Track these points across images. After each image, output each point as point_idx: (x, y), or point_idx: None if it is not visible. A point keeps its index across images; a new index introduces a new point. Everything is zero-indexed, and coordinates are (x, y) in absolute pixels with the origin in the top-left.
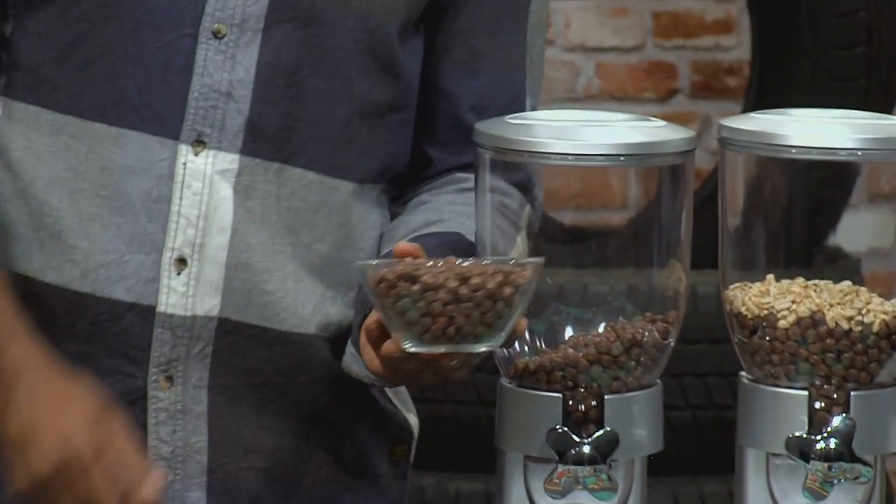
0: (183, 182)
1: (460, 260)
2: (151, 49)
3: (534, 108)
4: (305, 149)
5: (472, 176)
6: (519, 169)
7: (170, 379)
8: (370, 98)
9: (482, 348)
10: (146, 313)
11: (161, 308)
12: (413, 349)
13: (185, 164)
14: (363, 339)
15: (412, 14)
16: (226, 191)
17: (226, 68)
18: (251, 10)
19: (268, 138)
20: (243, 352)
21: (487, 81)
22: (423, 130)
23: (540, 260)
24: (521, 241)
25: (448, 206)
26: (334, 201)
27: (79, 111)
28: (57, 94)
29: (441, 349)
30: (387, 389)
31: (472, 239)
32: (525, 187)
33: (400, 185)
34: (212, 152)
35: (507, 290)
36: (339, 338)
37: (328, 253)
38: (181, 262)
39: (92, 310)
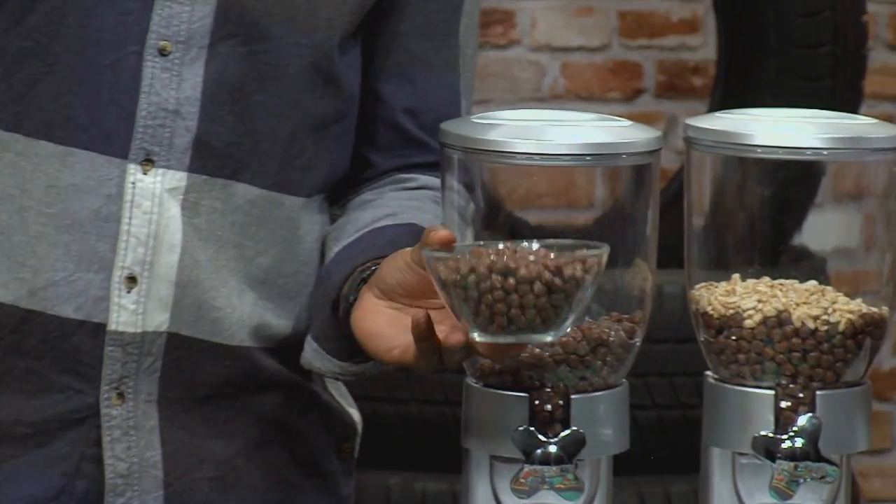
0: (132, 201)
1: (527, 245)
2: (98, 67)
3: (468, 110)
4: (251, 164)
5: (414, 176)
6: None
7: (121, 395)
8: (315, 112)
9: (548, 338)
10: (97, 331)
11: (112, 326)
12: (482, 339)
13: (133, 183)
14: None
15: (353, 25)
16: (174, 209)
17: (172, 86)
18: (196, 27)
19: (215, 155)
20: (192, 366)
21: (423, 85)
22: (362, 135)
23: (608, 247)
24: (469, 237)
25: (396, 202)
26: (280, 215)
27: (25, 129)
28: (2, 112)
29: (511, 339)
30: (329, 388)
31: (426, 227)
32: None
33: (339, 189)
34: (160, 171)
35: (588, 279)
36: (283, 347)
37: (270, 266)
38: (131, 280)
39: (41, 327)
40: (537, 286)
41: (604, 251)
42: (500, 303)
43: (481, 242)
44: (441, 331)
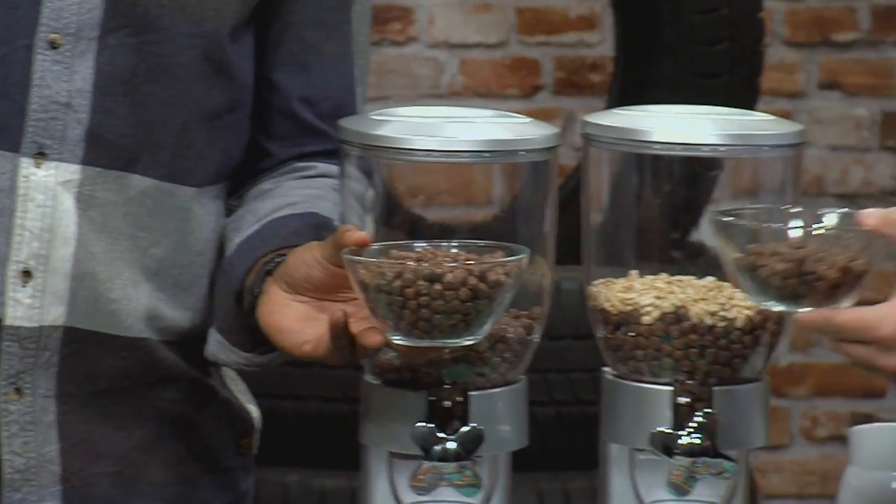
0: (26, 195)
1: (446, 246)
2: None
3: (363, 97)
4: (144, 155)
5: (312, 164)
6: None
7: (18, 391)
8: (207, 102)
9: (468, 342)
10: None
11: (8, 321)
12: (401, 342)
13: (26, 177)
14: (297, 325)
15: (244, 14)
16: (68, 202)
17: (64, 78)
18: (86, 19)
19: (107, 147)
20: (89, 359)
21: (318, 73)
22: (258, 124)
23: (528, 251)
24: (370, 223)
25: (294, 191)
26: (173, 205)
27: None
28: None
29: (431, 343)
30: (228, 383)
31: (328, 216)
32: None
33: (236, 180)
34: (53, 164)
35: (510, 283)
36: (183, 340)
37: (164, 256)
38: (27, 274)
39: None
40: (463, 292)
41: (525, 255)
42: (425, 308)
43: (397, 243)
44: (355, 325)
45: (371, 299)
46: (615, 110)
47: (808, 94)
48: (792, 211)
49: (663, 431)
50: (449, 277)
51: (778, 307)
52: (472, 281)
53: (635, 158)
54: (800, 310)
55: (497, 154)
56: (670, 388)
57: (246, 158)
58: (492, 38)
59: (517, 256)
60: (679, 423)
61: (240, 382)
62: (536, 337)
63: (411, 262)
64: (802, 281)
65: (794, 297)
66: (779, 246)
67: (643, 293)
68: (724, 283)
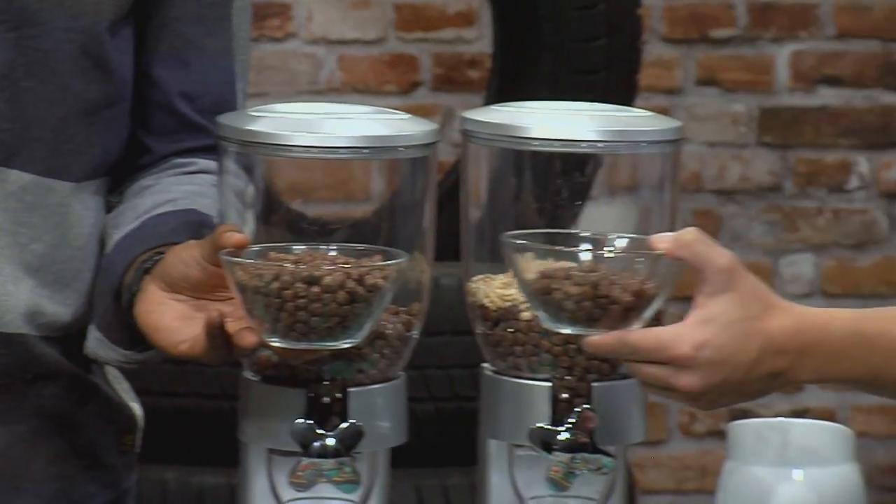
0: None
1: (325, 249)
2: None
3: (244, 91)
4: (22, 150)
5: (192, 160)
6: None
7: None
8: (86, 97)
9: (345, 345)
10: None
11: None
12: (279, 344)
13: None
14: (174, 324)
15: (123, 9)
16: None
17: None
18: None
19: None
20: None
21: (198, 69)
22: (138, 120)
23: (406, 255)
24: (250, 219)
25: (175, 187)
26: (52, 201)
27: None
28: None
29: (308, 345)
30: (111, 381)
31: (207, 213)
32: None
33: (117, 176)
34: None
35: (387, 287)
36: (64, 336)
37: (44, 252)
38: None
39: None
40: (340, 295)
41: (403, 259)
42: (303, 311)
43: (276, 245)
44: (231, 324)
45: (248, 301)
46: (494, 107)
47: (685, 90)
48: (583, 235)
49: (542, 427)
50: (327, 280)
51: (571, 330)
52: (350, 284)
53: (514, 155)
54: (592, 332)
55: (376, 150)
56: (549, 384)
57: (126, 154)
58: (370, 35)
59: (396, 260)
60: (558, 419)
61: (123, 381)
62: (415, 333)
63: (289, 265)
64: (596, 304)
65: (587, 321)
66: (571, 269)
67: None
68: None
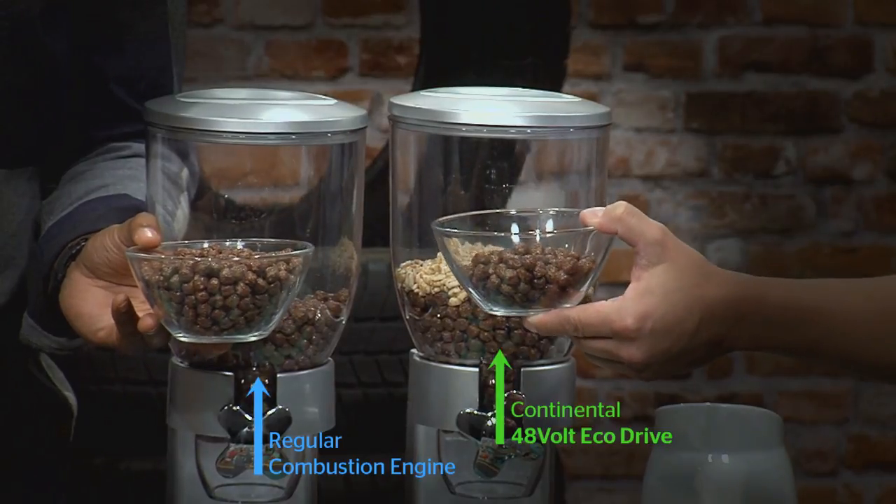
0: None
1: (232, 244)
2: None
3: (180, 76)
4: None
5: (127, 144)
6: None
7: None
8: (18, 85)
9: (252, 338)
10: None
11: None
12: (186, 339)
13: None
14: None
15: None
16: None
17: None
18: None
19: None
20: None
21: (133, 53)
22: (74, 106)
23: (312, 247)
24: (184, 201)
25: (109, 172)
26: None
27: None
28: None
29: (215, 339)
30: (46, 370)
31: (140, 198)
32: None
33: (53, 161)
34: None
35: (292, 279)
36: None
37: None
38: None
39: None
40: (240, 287)
41: (308, 251)
42: (204, 304)
43: (185, 242)
44: (140, 310)
45: (153, 296)
46: (422, 92)
47: (613, 76)
48: (512, 214)
49: (470, 413)
50: (226, 273)
51: (508, 312)
52: (251, 276)
53: (442, 140)
54: (531, 313)
55: (304, 136)
56: (477, 369)
57: (62, 140)
58: (298, 20)
59: (299, 251)
60: (486, 405)
61: (57, 370)
62: (344, 319)
63: (189, 258)
64: (533, 286)
65: (524, 302)
66: (504, 253)
67: (450, 275)
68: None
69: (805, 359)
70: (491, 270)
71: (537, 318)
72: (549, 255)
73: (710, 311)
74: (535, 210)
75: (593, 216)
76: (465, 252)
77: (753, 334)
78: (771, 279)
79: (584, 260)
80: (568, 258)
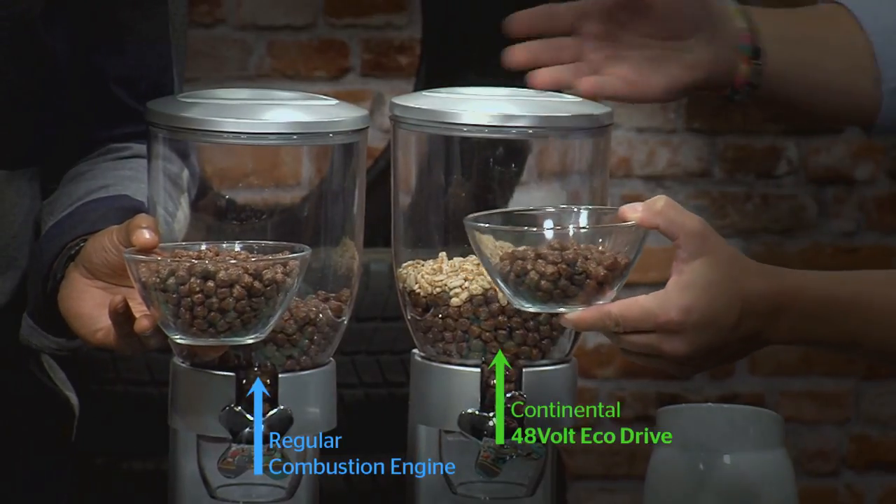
0: None
1: (229, 246)
2: None
3: (181, 76)
4: None
5: (127, 145)
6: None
7: None
8: (20, 85)
9: (249, 340)
10: None
11: None
12: (183, 341)
13: None
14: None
15: None
16: None
17: None
18: None
19: None
20: None
21: (134, 54)
22: (75, 106)
23: (309, 250)
24: (184, 202)
25: (109, 173)
26: None
27: None
28: None
29: (212, 341)
30: (48, 369)
31: (140, 199)
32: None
33: (54, 162)
34: None
35: (289, 282)
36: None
37: None
38: None
39: None
40: (237, 290)
41: (305, 254)
42: (200, 306)
43: (185, 244)
44: (138, 312)
45: (149, 298)
46: (423, 92)
47: None
48: (540, 212)
49: (472, 413)
50: (222, 275)
51: (542, 309)
52: (247, 279)
53: (444, 140)
54: (564, 309)
55: (305, 136)
56: (479, 369)
57: (63, 140)
58: (299, 21)
59: (296, 254)
60: (488, 405)
61: (59, 371)
62: (345, 319)
63: (185, 260)
64: (573, 281)
65: (562, 298)
66: (539, 248)
67: (452, 275)
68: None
69: (844, 352)
70: (529, 266)
71: (576, 314)
72: (587, 251)
73: (750, 304)
74: (562, 207)
75: (633, 211)
76: (495, 248)
77: (791, 327)
78: (809, 272)
79: (621, 255)
80: (606, 254)
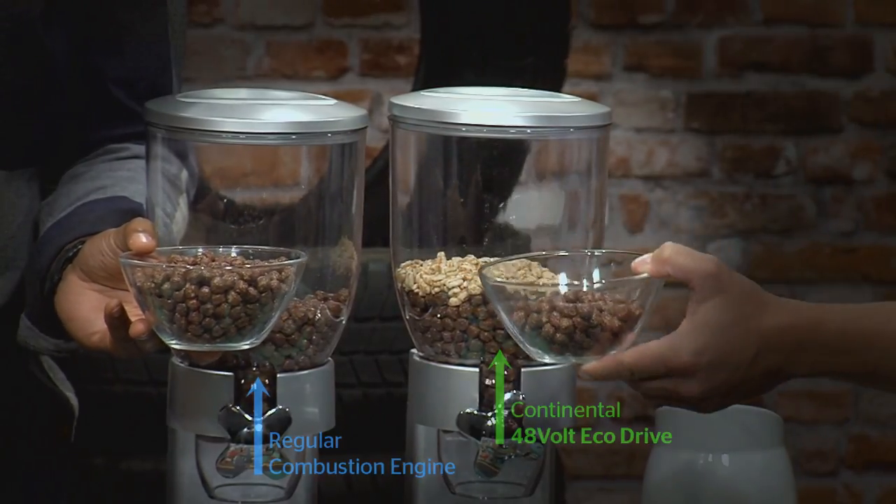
0: None
1: (225, 251)
2: None
3: (179, 77)
4: None
5: (126, 145)
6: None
7: None
8: (18, 85)
9: (245, 346)
10: None
11: None
12: (178, 346)
13: None
14: (90, 314)
15: None
16: None
17: None
18: None
19: None
20: None
21: (133, 54)
22: (73, 106)
23: (305, 256)
24: (183, 203)
25: (107, 174)
26: None
27: None
28: None
29: (207, 347)
30: (47, 369)
31: (138, 200)
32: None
33: (53, 162)
34: None
35: (284, 288)
36: None
37: None
38: None
39: None
40: (232, 296)
41: (301, 260)
42: (195, 312)
43: (181, 248)
44: (136, 317)
45: (145, 302)
46: (422, 92)
47: (613, 76)
48: (558, 255)
49: (470, 413)
50: (217, 281)
51: (558, 360)
52: (242, 285)
53: (442, 140)
54: (578, 360)
55: (304, 136)
56: (477, 369)
57: (61, 141)
58: (298, 20)
59: (291, 261)
60: (486, 405)
61: (58, 371)
62: (343, 319)
63: (181, 266)
64: (588, 334)
65: (577, 350)
66: (554, 300)
67: (450, 275)
68: (532, 264)
69: (865, 384)
70: (545, 319)
71: (590, 366)
72: (602, 303)
73: (767, 340)
74: (575, 252)
75: (643, 264)
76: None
77: (812, 361)
78: (827, 305)
79: (634, 305)
80: (620, 305)
